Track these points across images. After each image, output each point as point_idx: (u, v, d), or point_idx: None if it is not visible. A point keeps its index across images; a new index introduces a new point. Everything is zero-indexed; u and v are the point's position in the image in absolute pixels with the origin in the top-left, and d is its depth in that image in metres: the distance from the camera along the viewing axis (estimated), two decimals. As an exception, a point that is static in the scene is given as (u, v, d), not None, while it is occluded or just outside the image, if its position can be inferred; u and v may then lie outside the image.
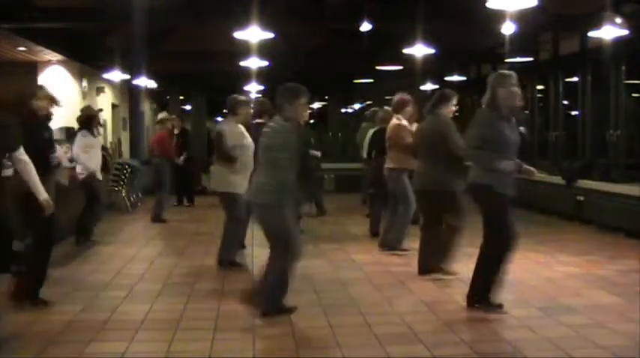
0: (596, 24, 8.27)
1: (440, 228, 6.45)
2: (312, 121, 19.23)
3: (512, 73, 5.35)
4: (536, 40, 12.26)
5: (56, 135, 9.64)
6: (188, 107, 21.07)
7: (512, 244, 5.20)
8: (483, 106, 5.33)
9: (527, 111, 13.44)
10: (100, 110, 8.84)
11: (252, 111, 7.53)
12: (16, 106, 5.74)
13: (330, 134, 18.08)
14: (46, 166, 5.47)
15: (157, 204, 10.79)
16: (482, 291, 5.27)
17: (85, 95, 13.12)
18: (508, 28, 8.70)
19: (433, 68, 13.65)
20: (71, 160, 8.58)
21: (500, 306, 5.25)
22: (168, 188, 11.09)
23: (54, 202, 5.30)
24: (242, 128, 7.06)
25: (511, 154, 5.26)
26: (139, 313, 5.40)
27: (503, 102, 5.20)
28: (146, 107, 17.95)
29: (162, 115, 12.18)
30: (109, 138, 14.92)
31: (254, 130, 6.96)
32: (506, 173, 5.22)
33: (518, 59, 12.37)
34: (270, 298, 5.14)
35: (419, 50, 9.98)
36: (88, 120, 8.54)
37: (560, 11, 9.85)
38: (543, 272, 6.81)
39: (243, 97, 7.41)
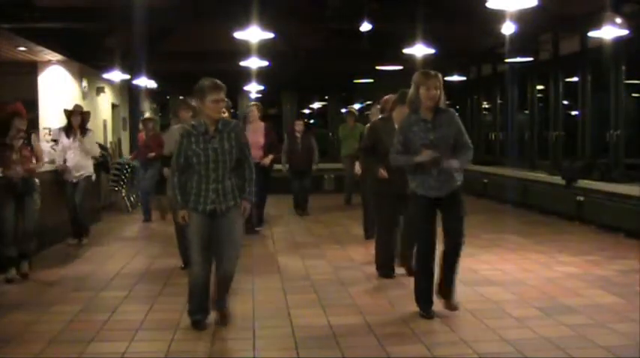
0: (596, 24, 8.27)
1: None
2: (312, 121, 19.32)
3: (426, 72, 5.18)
4: (536, 40, 12.26)
5: (56, 136, 9.67)
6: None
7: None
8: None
9: (527, 111, 13.47)
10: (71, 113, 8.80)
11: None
12: None
13: (331, 134, 18.07)
14: None
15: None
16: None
17: (85, 95, 13.11)
18: (508, 28, 8.70)
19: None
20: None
21: (424, 314, 5.20)
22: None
23: None
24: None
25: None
26: (139, 313, 5.40)
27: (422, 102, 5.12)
28: (146, 107, 17.93)
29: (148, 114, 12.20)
30: (109, 138, 14.91)
31: None
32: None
33: (518, 59, 12.36)
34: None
35: (419, 50, 9.98)
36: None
37: (560, 11, 9.84)
38: (543, 272, 6.80)
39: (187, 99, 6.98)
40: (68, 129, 8.58)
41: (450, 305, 5.27)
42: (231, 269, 4.98)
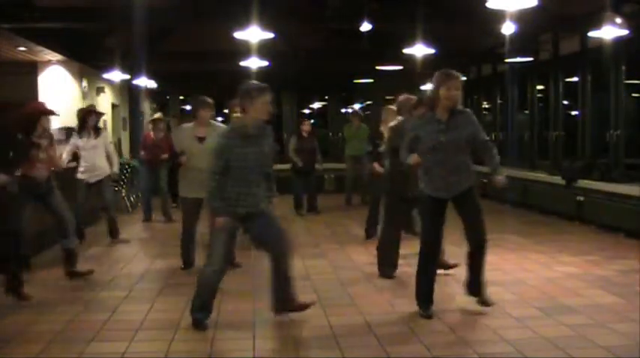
0: (596, 24, 8.27)
1: None
2: (312, 121, 19.33)
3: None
4: (536, 40, 12.26)
5: (56, 136, 9.61)
6: (188, 107, 21.09)
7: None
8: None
9: (527, 111, 13.47)
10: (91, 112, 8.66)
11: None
12: None
13: (331, 134, 18.07)
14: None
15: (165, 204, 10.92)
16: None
17: (85, 95, 13.12)
18: (508, 28, 8.70)
19: (433, 68, 13.64)
20: (70, 161, 8.56)
21: (423, 314, 5.18)
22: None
23: None
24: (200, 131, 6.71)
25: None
26: (139, 313, 5.40)
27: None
28: (146, 107, 17.93)
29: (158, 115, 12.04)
30: (110, 139, 14.91)
31: None
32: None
33: (518, 59, 12.37)
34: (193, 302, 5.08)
35: (419, 50, 9.99)
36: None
37: (560, 11, 9.85)
38: (543, 272, 6.80)
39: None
40: (82, 129, 8.50)
41: (484, 301, 5.30)
42: (291, 260, 5.05)
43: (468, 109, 5.31)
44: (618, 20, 8.02)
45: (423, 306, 5.22)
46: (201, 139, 6.62)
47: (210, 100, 6.78)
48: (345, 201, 12.83)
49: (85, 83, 13.07)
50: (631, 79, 10.21)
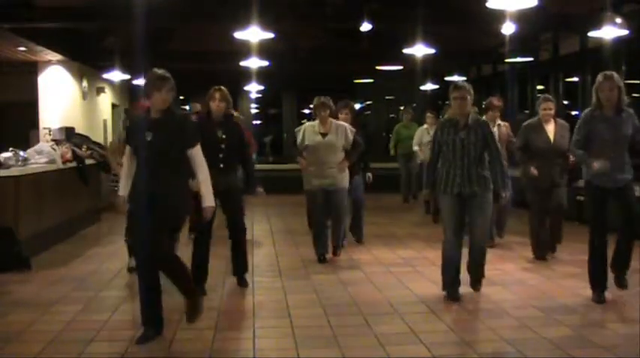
0: (596, 24, 8.28)
1: None
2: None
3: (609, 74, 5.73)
4: (537, 40, 12.27)
5: (56, 136, 9.62)
6: (187, 107, 21.10)
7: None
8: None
9: (527, 111, 13.47)
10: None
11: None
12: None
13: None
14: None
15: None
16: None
17: (85, 95, 13.12)
18: (508, 28, 8.70)
19: (433, 68, 13.69)
20: (70, 160, 8.53)
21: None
22: None
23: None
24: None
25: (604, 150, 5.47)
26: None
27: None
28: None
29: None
30: (110, 138, 14.92)
31: None
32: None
33: (519, 59, 12.37)
34: None
35: (419, 50, 9.99)
36: None
37: (560, 11, 9.85)
38: (543, 272, 6.80)
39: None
40: None
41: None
42: None
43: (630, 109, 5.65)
44: (618, 20, 8.03)
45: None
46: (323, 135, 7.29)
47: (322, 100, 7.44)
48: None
49: (85, 83, 13.08)
50: (631, 79, 10.21)
